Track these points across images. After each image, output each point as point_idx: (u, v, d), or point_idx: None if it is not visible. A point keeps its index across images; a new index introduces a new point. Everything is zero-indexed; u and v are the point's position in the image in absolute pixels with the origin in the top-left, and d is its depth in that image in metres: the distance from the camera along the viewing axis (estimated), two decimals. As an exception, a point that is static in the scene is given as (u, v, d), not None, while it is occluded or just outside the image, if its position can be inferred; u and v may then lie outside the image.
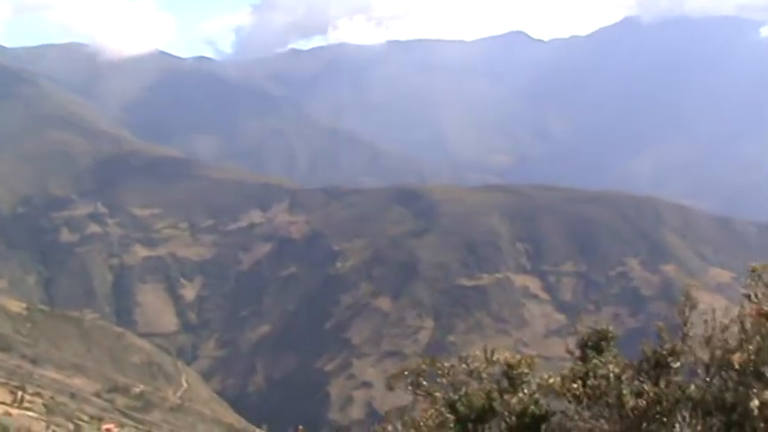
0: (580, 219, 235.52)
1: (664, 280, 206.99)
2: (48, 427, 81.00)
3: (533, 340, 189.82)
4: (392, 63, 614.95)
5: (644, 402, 9.11)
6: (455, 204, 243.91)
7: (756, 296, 9.39)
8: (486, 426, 10.46)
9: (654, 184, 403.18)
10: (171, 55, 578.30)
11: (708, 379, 9.24)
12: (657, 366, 9.64)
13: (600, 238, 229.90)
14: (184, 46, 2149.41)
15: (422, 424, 10.75)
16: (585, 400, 9.57)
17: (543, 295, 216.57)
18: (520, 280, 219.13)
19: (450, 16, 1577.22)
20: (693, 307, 9.95)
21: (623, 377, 9.55)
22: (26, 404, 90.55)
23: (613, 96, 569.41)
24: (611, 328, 10.99)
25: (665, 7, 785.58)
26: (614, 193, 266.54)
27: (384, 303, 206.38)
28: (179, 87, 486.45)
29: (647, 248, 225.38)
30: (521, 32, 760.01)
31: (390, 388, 11.88)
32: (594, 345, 10.66)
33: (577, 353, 10.63)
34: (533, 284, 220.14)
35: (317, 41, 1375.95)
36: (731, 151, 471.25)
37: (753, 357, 8.70)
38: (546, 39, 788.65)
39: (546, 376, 10.23)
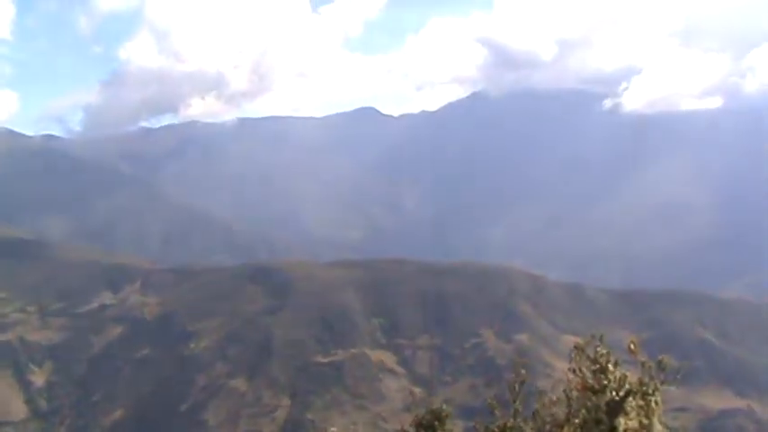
0: (434, 291, 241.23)
1: (518, 349, 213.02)
2: None
3: (391, 415, 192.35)
4: (244, 140, 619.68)
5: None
6: (309, 281, 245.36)
7: (581, 370, 9.74)
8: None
9: (506, 253, 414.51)
10: (17, 133, 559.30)
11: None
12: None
13: (454, 310, 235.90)
14: (31, 123, 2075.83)
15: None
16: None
17: (399, 369, 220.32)
18: (376, 355, 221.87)
19: (301, 94, 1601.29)
20: (523, 382, 10.66)
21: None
22: None
23: (464, 168, 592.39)
24: (444, 406, 11.87)
25: (512, 81, 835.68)
26: (467, 264, 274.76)
27: (240, 383, 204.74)
28: (25, 166, 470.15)
29: (501, 318, 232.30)
30: (371, 108, 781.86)
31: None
32: (429, 424, 11.63)
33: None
34: (389, 359, 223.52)
35: (168, 119, 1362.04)
36: (580, 219, 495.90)
37: (578, 430, 9.09)
38: (396, 114, 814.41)
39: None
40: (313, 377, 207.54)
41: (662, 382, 8.93)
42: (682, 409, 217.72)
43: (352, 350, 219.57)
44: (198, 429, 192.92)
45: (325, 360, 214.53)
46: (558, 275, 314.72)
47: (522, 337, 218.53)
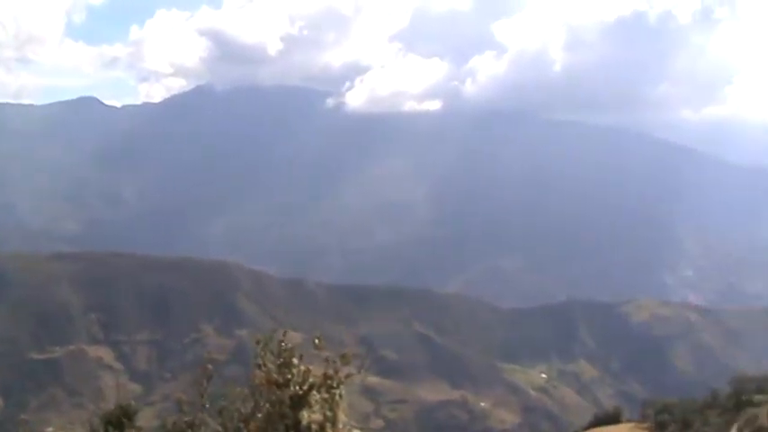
0: (154, 286, 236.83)
1: (238, 344, 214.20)
2: None
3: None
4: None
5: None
6: (25, 274, 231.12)
7: (265, 364, 9.76)
8: None
9: (227, 249, 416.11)
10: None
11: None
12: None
13: (174, 306, 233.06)
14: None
15: None
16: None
17: (118, 365, 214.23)
18: (93, 351, 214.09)
19: (21, 81, 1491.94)
20: (210, 378, 10.78)
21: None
22: None
23: (186, 162, 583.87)
24: (134, 403, 11.76)
25: (237, 76, 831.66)
26: (188, 258, 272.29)
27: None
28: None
29: (222, 314, 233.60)
30: (92, 98, 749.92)
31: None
32: (116, 421, 11.38)
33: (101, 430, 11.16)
34: (107, 355, 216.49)
35: None
36: (302, 215, 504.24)
37: (263, 425, 9.16)
38: (118, 105, 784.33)
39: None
40: (28, 375, 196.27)
41: (346, 376, 9.28)
42: (401, 401, 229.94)
43: (70, 347, 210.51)
44: None
45: (41, 357, 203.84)
46: (280, 271, 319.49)
47: (243, 333, 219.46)
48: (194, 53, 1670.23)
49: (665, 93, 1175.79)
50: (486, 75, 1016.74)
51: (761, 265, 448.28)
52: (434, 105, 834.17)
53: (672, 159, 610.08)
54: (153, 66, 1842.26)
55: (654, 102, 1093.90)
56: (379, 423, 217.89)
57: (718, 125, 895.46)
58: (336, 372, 9.65)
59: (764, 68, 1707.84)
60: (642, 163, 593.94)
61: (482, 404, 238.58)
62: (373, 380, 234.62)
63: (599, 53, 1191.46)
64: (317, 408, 9.27)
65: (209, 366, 10.95)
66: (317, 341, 9.88)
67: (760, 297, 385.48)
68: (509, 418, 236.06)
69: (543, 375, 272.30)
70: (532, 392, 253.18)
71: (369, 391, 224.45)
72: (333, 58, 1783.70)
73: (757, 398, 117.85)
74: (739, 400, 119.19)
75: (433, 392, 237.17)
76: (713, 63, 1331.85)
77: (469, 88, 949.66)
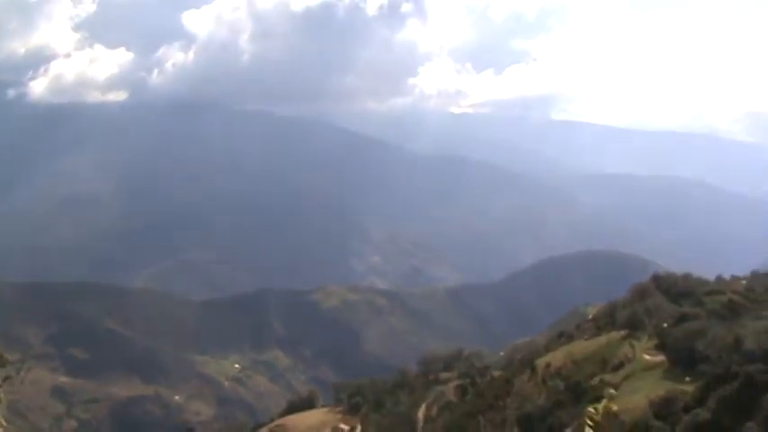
0: None
1: None
2: None
3: None
4: None
5: None
6: None
7: None
8: None
9: None
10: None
11: None
12: None
13: None
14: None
15: None
16: None
17: None
18: None
19: None
20: None
21: None
22: None
23: None
24: None
25: None
26: None
27: None
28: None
29: None
30: None
31: None
32: None
33: None
34: None
35: None
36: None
37: None
38: None
39: None
40: None
41: (4, 379, 9.95)
42: (93, 401, 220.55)
43: None
44: None
45: None
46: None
47: None
48: None
49: (352, 84, 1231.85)
50: (174, 65, 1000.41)
51: (443, 249, 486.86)
52: (120, 96, 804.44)
53: (358, 149, 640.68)
54: None
55: (341, 93, 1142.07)
56: (72, 424, 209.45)
57: (402, 116, 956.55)
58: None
59: (447, 62, 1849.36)
60: (330, 153, 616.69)
61: (176, 398, 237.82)
62: (64, 380, 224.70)
63: (287, 44, 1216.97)
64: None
65: None
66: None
67: (443, 279, 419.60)
68: (204, 410, 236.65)
69: (237, 366, 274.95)
70: (226, 383, 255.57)
71: (59, 392, 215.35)
72: (16, 46, 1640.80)
73: (444, 375, 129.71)
74: (427, 378, 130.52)
75: (126, 389, 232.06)
76: (399, 56, 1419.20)
77: (157, 79, 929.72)
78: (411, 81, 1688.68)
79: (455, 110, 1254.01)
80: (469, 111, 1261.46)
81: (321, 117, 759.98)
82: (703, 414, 64.59)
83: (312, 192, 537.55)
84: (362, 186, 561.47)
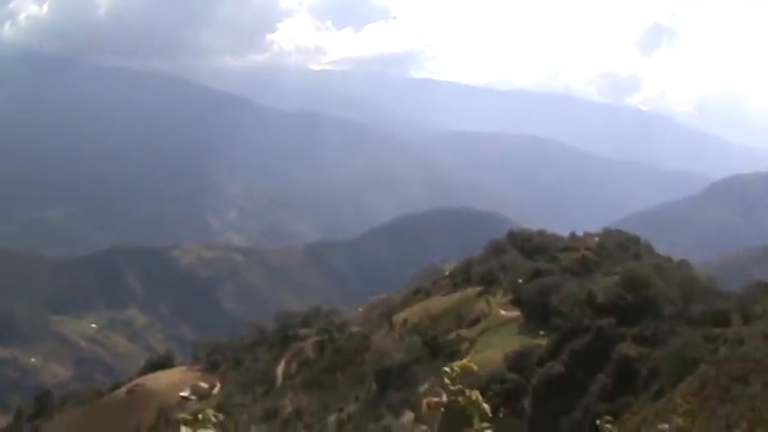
0: None
1: None
2: None
3: None
4: None
5: None
6: None
7: None
8: None
9: None
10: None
11: None
12: None
13: None
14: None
15: None
16: None
17: None
18: None
19: None
20: None
21: None
22: None
23: None
24: None
25: None
26: None
27: None
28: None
29: None
30: None
31: None
32: None
33: None
34: None
35: None
36: None
37: None
38: None
39: None
40: None
41: None
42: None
43: None
44: None
45: None
46: None
47: None
48: None
49: (210, 39, 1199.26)
50: (27, 17, 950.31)
51: (300, 205, 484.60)
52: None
53: (215, 105, 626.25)
54: None
55: (199, 48, 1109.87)
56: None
57: (261, 72, 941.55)
58: None
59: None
60: (187, 109, 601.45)
61: (32, 360, 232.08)
62: None
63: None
64: None
65: None
66: None
67: (300, 236, 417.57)
68: (61, 371, 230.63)
69: (93, 325, 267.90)
70: (84, 343, 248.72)
71: None
72: None
73: (302, 332, 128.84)
74: (286, 335, 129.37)
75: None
76: (257, 11, 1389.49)
77: (9, 31, 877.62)
78: (270, 37, 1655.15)
79: (314, 67, 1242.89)
80: (329, 68, 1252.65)
81: (181, 73, 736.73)
82: (557, 367, 66.05)
83: (169, 148, 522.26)
84: (219, 143, 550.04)
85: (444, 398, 2.80)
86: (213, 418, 2.98)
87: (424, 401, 3.41)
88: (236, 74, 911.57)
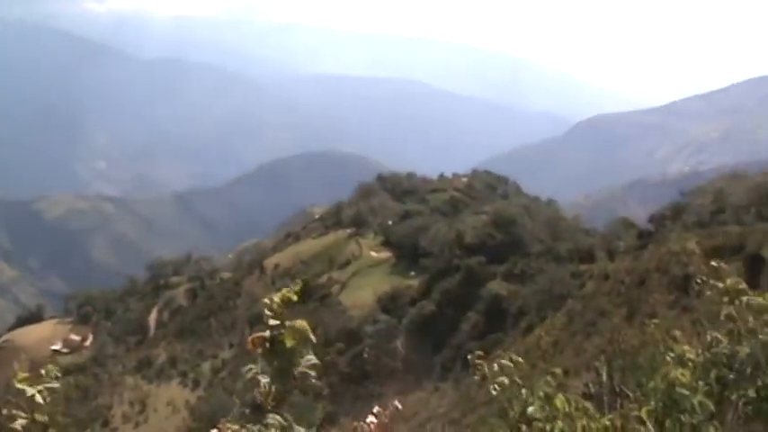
0: None
1: None
2: None
3: None
4: None
5: None
6: None
7: None
8: None
9: None
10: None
11: None
12: None
13: None
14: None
15: None
16: None
17: None
18: None
19: None
20: None
21: None
22: None
23: None
24: None
25: None
26: None
27: None
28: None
29: None
30: None
31: None
32: None
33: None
34: None
35: None
36: None
37: None
38: None
39: None
40: None
41: None
42: None
43: None
44: None
45: None
46: None
47: None
48: None
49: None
50: None
51: (166, 153, 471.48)
52: None
53: (79, 53, 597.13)
54: None
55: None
56: None
57: (124, 18, 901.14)
58: None
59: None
60: (50, 56, 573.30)
61: None
62: None
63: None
64: None
65: None
66: None
67: (168, 184, 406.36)
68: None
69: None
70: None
71: None
72: None
73: (173, 280, 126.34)
74: (157, 284, 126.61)
75: None
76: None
77: None
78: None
79: (180, 12, 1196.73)
80: (195, 14, 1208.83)
81: (43, 21, 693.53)
82: (428, 306, 66.91)
83: (33, 97, 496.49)
84: (85, 93, 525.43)
85: (267, 332, 2.78)
86: (56, 374, 3.40)
87: (249, 339, 3.22)
88: (102, 20, 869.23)
